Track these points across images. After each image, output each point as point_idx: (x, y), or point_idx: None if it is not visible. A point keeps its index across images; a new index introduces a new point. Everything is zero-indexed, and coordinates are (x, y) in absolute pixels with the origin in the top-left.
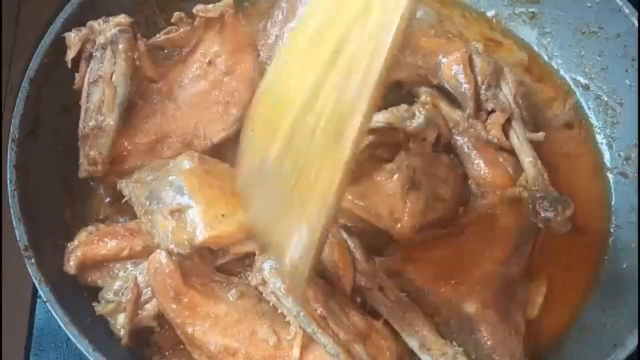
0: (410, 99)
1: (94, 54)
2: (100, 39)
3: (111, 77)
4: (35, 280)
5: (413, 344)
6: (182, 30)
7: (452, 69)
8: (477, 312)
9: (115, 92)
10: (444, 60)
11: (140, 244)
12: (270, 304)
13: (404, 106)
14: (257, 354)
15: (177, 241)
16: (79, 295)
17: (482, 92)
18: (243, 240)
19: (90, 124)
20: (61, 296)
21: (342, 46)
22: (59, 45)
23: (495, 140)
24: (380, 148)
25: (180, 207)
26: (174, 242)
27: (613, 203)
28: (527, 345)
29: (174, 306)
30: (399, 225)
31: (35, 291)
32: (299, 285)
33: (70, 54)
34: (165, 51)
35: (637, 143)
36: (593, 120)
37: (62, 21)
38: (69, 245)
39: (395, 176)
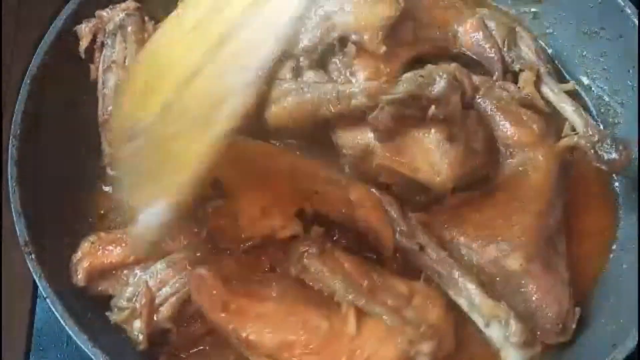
0: None
1: (105, 42)
2: (110, 26)
3: (124, 61)
4: (35, 276)
5: (462, 302)
6: None
7: (471, 36)
8: (521, 267)
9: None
10: (460, 29)
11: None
12: (316, 288)
13: (420, 72)
14: (314, 341)
15: None
16: (78, 292)
17: (505, 54)
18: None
19: (109, 109)
20: (61, 292)
21: (233, 31)
22: (61, 43)
23: (529, 97)
24: (410, 108)
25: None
26: None
27: (613, 203)
28: (572, 293)
29: (223, 315)
30: (439, 177)
31: (35, 291)
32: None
33: (83, 45)
34: None
35: (638, 143)
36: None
37: (64, 18)
38: (72, 258)
39: (433, 130)
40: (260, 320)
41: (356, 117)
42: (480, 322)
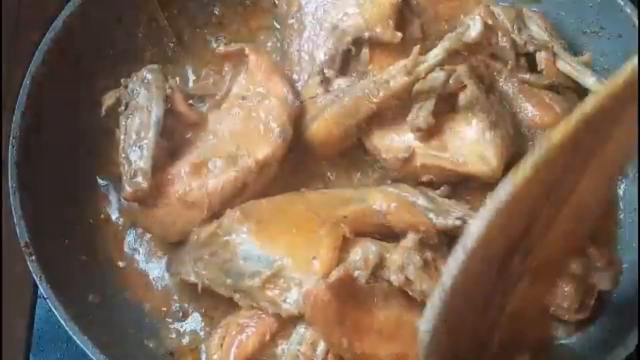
0: None
1: (130, 96)
2: (134, 81)
3: (147, 107)
4: (35, 277)
5: None
6: (212, 80)
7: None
8: None
9: (149, 114)
10: (469, 20)
11: (273, 320)
12: (419, 300)
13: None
14: None
15: (297, 305)
16: (79, 292)
17: (517, 37)
18: (346, 256)
19: (128, 149)
20: (61, 293)
21: None
22: (61, 43)
23: (555, 82)
24: (440, 102)
25: (271, 273)
26: (295, 307)
27: (613, 203)
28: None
29: (338, 331)
30: (488, 167)
31: (35, 291)
32: None
33: (104, 106)
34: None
35: (637, 143)
36: None
37: (64, 18)
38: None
39: (474, 121)
40: (373, 334)
41: (390, 117)
42: None
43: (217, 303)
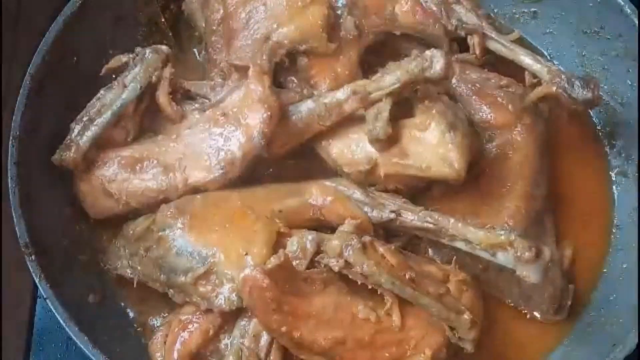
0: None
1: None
2: (138, 56)
3: (125, 84)
4: (35, 277)
5: (460, 245)
6: (213, 82)
7: (408, 14)
8: None
9: (120, 93)
10: (396, 8)
11: (216, 315)
12: (359, 282)
13: (411, 59)
14: (364, 335)
15: (228, 301)
16: (79, 292)
17: (447, 23)
18: (279, 249)
19: (85, 118)
20: (61, 293)
21: None
22: (61, 43)
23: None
24: (395, 108)
25: (203, 270)
26: (226, 303)
27: (613, 203)
28: (564, 272)
29: (276, 317)
30: (452, 168)
31: (35, 291)
32: None
33: (110, 66)
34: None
35: (637, 143)
36: (594, 120)
37: (64, 19)
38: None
39: (433, 124)
40: (312, 319)
41: (345, 125)
42: (486, 255)
43: None
